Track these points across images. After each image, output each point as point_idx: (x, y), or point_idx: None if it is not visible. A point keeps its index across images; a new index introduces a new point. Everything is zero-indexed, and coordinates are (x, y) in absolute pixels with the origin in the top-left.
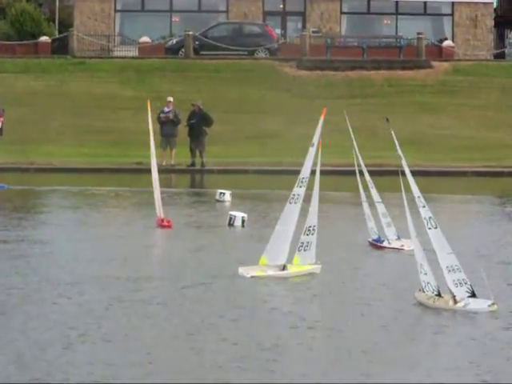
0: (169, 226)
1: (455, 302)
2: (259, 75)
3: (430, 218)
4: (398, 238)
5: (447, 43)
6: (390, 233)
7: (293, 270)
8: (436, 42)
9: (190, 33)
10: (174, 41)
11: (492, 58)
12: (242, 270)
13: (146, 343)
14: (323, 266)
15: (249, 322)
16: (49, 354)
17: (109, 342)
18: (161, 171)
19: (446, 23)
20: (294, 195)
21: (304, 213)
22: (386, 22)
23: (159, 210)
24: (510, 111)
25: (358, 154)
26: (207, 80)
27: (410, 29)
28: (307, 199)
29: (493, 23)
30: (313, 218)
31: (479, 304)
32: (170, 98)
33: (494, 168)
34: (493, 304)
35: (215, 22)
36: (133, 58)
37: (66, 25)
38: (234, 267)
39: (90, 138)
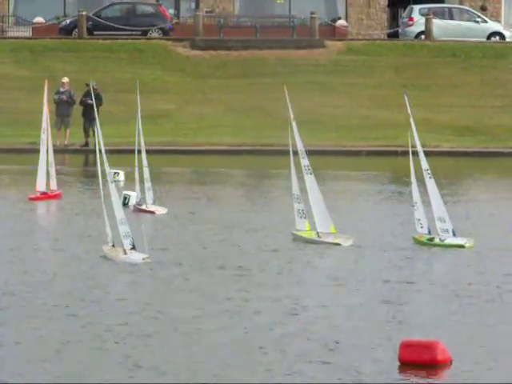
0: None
1: (125, 253)
2: (152, 55)
3: (114, 172)
4: (154, 203)
5: (340, 23)
6: (148, 197)
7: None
8: (329, 22)
9: (84, 13)
10: (68, 21)
11: (385, 37)
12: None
13: None
14: None
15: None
16: None
17: None
18: (55, 151)
19: (340, 3)
20: (305, 166)
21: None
22: (279, 1)
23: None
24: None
25: (141, 136)
26: (101, 60)
27: (303, 8)
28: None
29: (386, 2)
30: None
31: (137, 256)
32: (65, 79)
33: (388, 147)
34: (147, 257)
35: (108, 2)
36: (27, 38)
37: None
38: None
39: None
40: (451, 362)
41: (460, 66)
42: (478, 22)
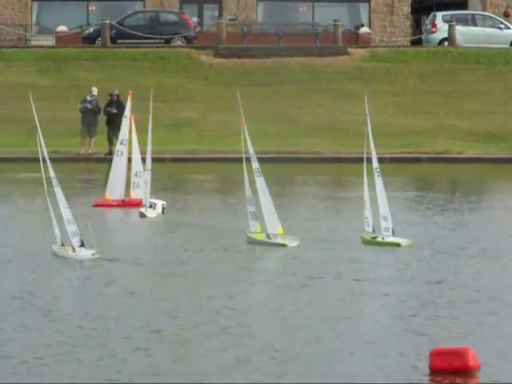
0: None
1: (74, 250)
2: (176, 63)
3: (52, 176)
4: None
5: (364, 30)
6: (146, 201)
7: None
8: (352, 29)
9: (107, 21)
10: (91, 30)
11: (409, 44)
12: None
13: None
14: None
15: None
16: None
17: None
18: (79, 160)
19: (363, 10)
20: (255, 169)
21: None
22: (302, 9)
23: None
24: (426, 97)
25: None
26: (124, 69)
27: (326, 16)
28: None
29: (409, 9)
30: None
31: (86, 253)
32: (95, 90)
33: (412, 154)
34: (96, 253)
35: (132, 11)
36: (50, 47)
37: None
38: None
39: (7, 128)
40: (480, 369)
41: (483, 73)
42: (501, 28)
